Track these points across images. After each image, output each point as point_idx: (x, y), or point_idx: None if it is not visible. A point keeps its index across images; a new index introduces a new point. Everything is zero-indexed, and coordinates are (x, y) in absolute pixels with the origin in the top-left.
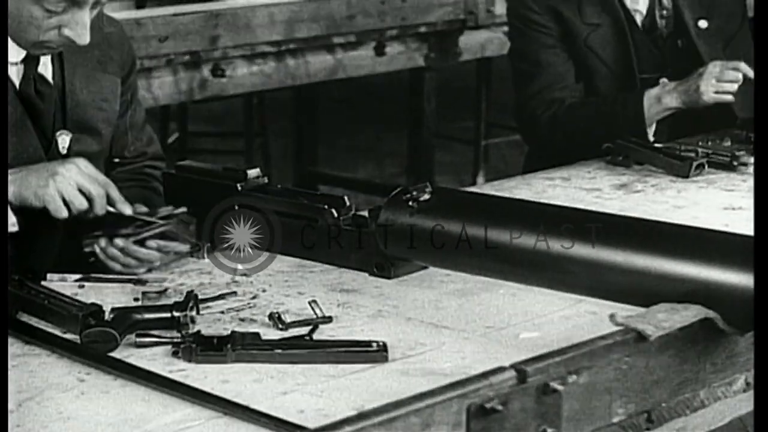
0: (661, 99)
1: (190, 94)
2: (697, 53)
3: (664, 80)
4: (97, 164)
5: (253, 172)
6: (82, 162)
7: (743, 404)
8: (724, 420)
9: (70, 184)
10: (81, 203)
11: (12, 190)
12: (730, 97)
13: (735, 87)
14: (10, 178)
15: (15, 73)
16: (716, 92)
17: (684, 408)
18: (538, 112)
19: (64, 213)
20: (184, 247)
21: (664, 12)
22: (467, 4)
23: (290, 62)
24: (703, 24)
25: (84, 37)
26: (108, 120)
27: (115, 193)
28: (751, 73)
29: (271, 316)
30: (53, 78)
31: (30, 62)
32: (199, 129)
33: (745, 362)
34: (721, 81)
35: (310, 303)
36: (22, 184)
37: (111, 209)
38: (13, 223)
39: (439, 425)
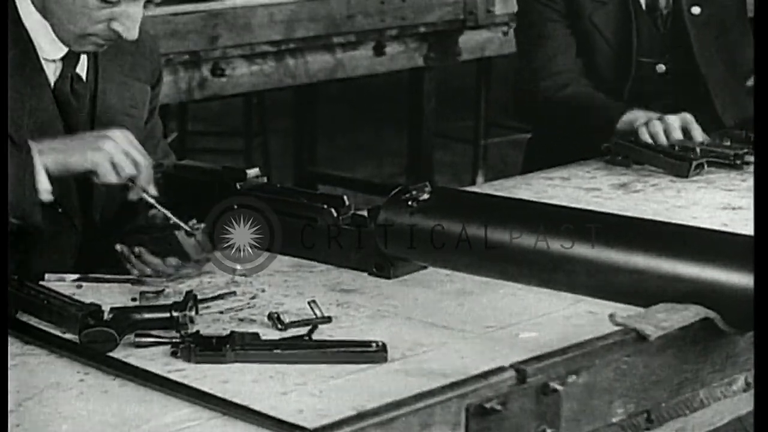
0: (634, 125)
1: (189, 93)
2: (689, 40)
3: (661, 66)
4: None
5: (252, 172)
6: (126, 132)
7: (743, 404)
8: (724, 420)
9: (120, 149)
10: (130, 169)
11: (53, 158)
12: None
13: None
14: (47, 146)
15: (51, 71)
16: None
17: (684, 408)
18: (542, 84)
19: (113, 177)
20: (198, 269)
21: None
22: (467, 4)
23: (290, 62)
24: (696, 10)
25: (133, 32)
26: (135, 126)
27: (150, 172)
28: (685, 126)
29: (270, 316)
30: (87, 79)
31: (69, 60)
32: (198, 128)
33: (745, 362)
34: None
35: (309, 303)
36: (66, 150)
37: (145, 196)
38: (47, 191)
39: (439, 425)
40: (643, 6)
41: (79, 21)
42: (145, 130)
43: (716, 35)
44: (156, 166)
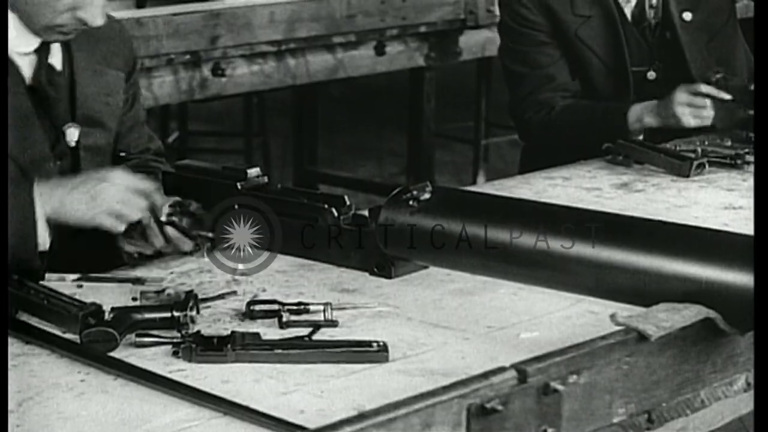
0: (643, 119)
1: (190, 93)
2: (681, 46)
3: (651, 73)
4: (104, 158)
5: (253, 172)
6: (124, 172)
7: (744, 404)
8: (725, 420)
9: (119, 198)
10: (134, 215)
11: (53, 209)
12: (708, 121)
13: (709, 111)
14: (48, 193)
15: (27, 64)
16: (694, 117)
17: (684, 408)
18: (529, 114)
19: (119, 227)
20: (189, 245)
21: (653, 2)
22: (467, 4)
23: (290, 62)
24: (687, 16)
25: (98, 18)
26: (113, 114)
27: (158, 199)
28: (718, 94)
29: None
30: (62, 69)
31: (42, 52)
32: (199, 128)
33: (746, 362)
34: (693, 106)
35: (323, 304)
36: (64, 205)
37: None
38: (47, 242)
39: (440, 425)
40: (629, 17)
41: (43, 12)
42: (128, 119)
43: (707, 40)
44: (143, 151)
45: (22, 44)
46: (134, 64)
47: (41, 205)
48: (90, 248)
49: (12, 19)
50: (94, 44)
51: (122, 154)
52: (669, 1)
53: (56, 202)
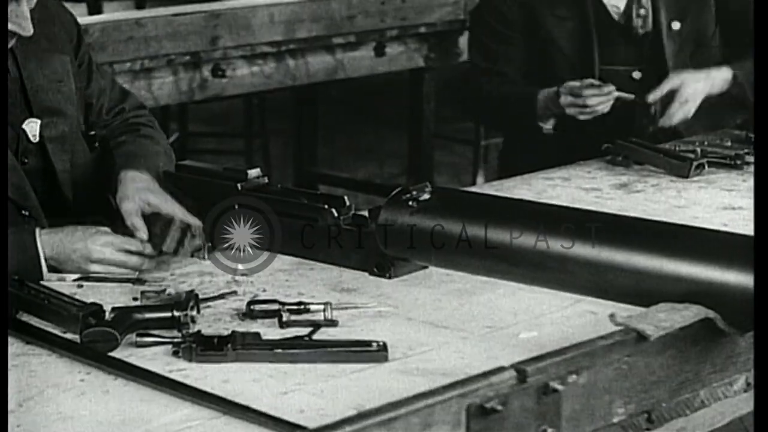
0: (548, 106)
1: (190, 94)
2: (665, 54)
3: (637, 73)
4: (68, 145)
5: (253, 172)
6: (97, 240)
7: (743, 404)
8: (725, 420)
9: (107, 253)
10: (132, 263)
11: (52, 256)
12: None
13: (601, 105)
14: (48, 241)
15: None
16: (580, 113)
17: (684, 408)
18: (476, 86)
19: (118, 272)
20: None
21: (641, 11)
22: (467, 5)
23: (290, 63)
24: (676, 26)
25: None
26: (69, 99)
27: (136, 245)
28: (600, 86)
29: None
30: (9, 67)
31: None
32: (199, 129)
33: (746, 362)
34: (575, 106)
35: (324, 304)
36: (61, 262)
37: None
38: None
39: (439, 425)
40: (618, 20)
41: None
42: (90, 95)
43: (693, 50)
44: (118, 113)
45: None
46: (79, 39)
47: (42, 249)
48: None
49: None
50: (34, 33)
51: (92, 133)
52: (659, 11)
53: (53, 255)
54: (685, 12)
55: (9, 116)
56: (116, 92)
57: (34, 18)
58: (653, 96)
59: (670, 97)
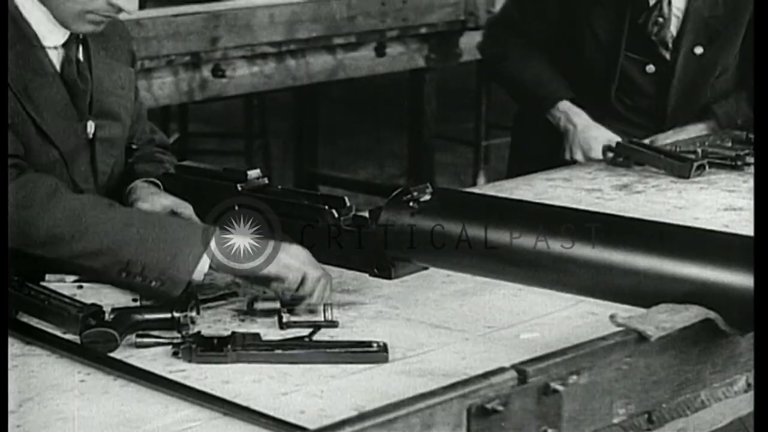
0: (562, 123)
1: (190, 94)
2: (671, 77)
3: (650, 67)
4: (119, 149)
5: (253, 173)
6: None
7: (744, 405)
8: (725, 420)
9: (302, 262)
10: (309, 288)
11: (221, 264)
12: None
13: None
14: (223, 246)
15: (55, 58)
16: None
17: (685, 408)
18: (490, 41)
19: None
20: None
21: (660, 20)
22: (468, 5)
23: (291, 63)
24: (698, 50)
25: (133, 3)
26: (126, 108)
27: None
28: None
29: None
30: (86, 63)
31: (70, 45)
32: (199, 130)
33: (746, 363)
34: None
35: (324, 305)
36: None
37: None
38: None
39: (440, 426)
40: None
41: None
42: (136, 109)
43: (716, 77)
44: (148, 142)
45: (52, 38)
46: (134, 57)
47: (206, 257)
48: None
49: (43, 14)
50: (103, 39)
51: (133, 146)
52: (683, 34)
53: (226, 261)
54: (713, 39)
55: (81, 107)
56: (150, 124)
57: (106, 25)
58: None
59: None
